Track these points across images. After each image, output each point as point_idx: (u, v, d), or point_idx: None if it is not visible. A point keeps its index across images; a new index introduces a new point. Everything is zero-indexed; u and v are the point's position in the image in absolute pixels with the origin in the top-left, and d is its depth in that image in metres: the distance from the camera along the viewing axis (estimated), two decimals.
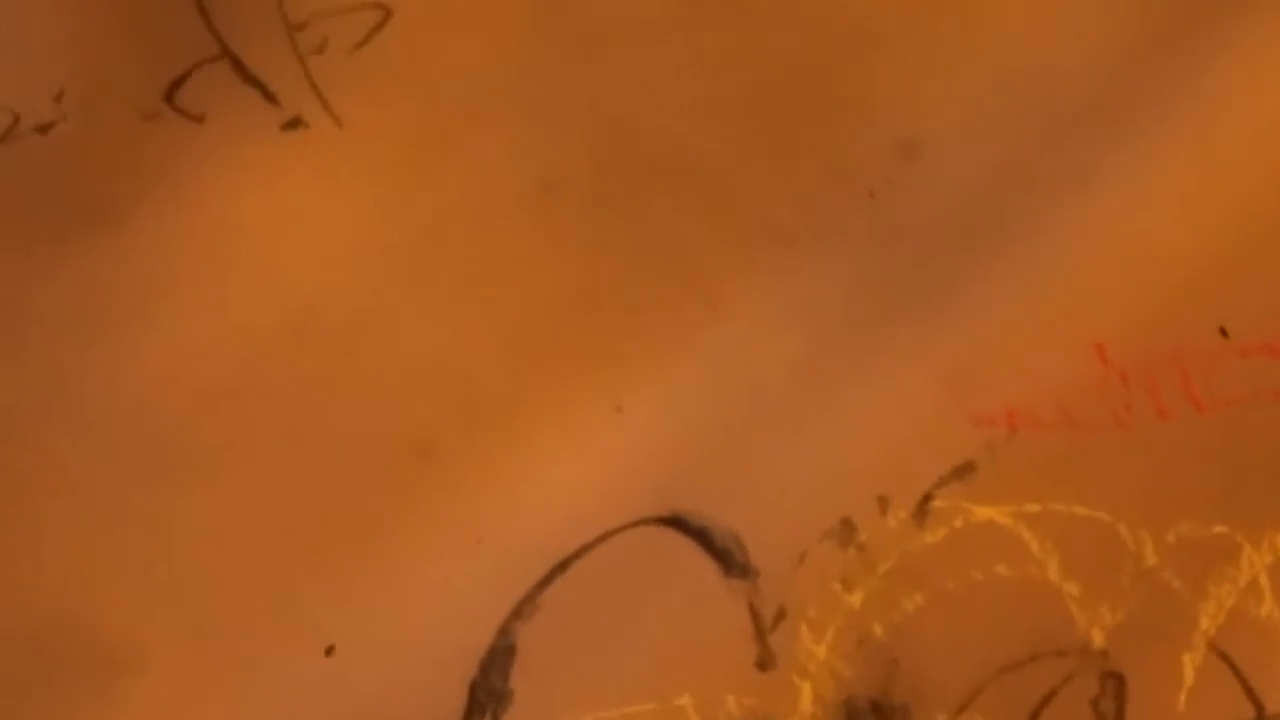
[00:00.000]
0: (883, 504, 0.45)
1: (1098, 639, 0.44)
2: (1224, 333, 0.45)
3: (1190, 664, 0.43)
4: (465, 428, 0.48)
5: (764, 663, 0.44)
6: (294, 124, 0.50)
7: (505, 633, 0.45)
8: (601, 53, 0.50)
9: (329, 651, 0.46)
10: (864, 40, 0.49)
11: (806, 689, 0.43)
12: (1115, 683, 0.43)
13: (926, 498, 0.45)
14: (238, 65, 0.50)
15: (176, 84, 0.50)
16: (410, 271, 0.49)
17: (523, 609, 0.46)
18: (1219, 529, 0.44)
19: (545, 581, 0.46)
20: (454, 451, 0.48)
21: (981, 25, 0.49)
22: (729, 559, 0.45)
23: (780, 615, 0.44)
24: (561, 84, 0.50)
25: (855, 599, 0.44)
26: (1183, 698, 0.43)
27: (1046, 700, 0.43)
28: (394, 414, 0.48)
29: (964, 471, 0.45)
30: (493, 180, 0.49)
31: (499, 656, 0.45)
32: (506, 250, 0.49)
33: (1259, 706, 0.42)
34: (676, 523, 0.46)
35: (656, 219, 0.49)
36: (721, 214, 0.49)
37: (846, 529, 0.45)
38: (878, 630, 0.44)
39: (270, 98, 0.50)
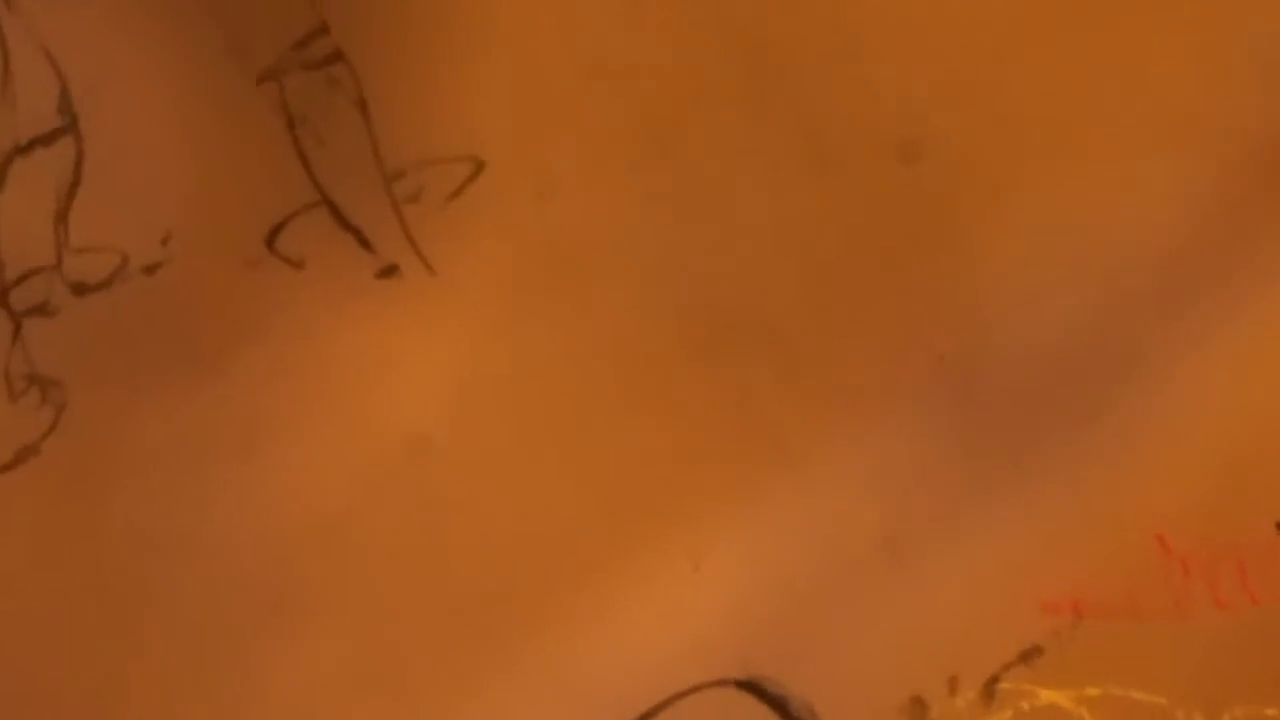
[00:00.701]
0: (953, 684, 0.47)
1: None
2: None
3: None
4: (547, 579, 0.50)
5: None
6: (389, 271, 0.51)
7: None
8: (689, 212, 0.51)
9: None
10: (937, 211, 0.51)
11: None
12: None
13: (994, 679, 0.47)
14: (336, 212, 0.51)
15: (277, 230, 0.51)
16: (498, 423, 0.51)
17: None
18: (1270, 711, 0.47)
19: None
20: (533, 603, 0.50)
21: (1055, 201, 0.51)
22: None
23: None
24: (649, 241, 0.51)
25: None
26: None
27: None
28: (478, 563, 0.50)
29: (1031, 655, 0.48)
30: (579, 335, 0.51)
31: None
32: (591, 405, 0.51)
33: None
34: (754, 688, 0.48)
35: (738, 380, 0.51)
36: (800, 376, 0.51)
37: (918, 707, 0.47)
38: None
39: (366, 245, 0.51)
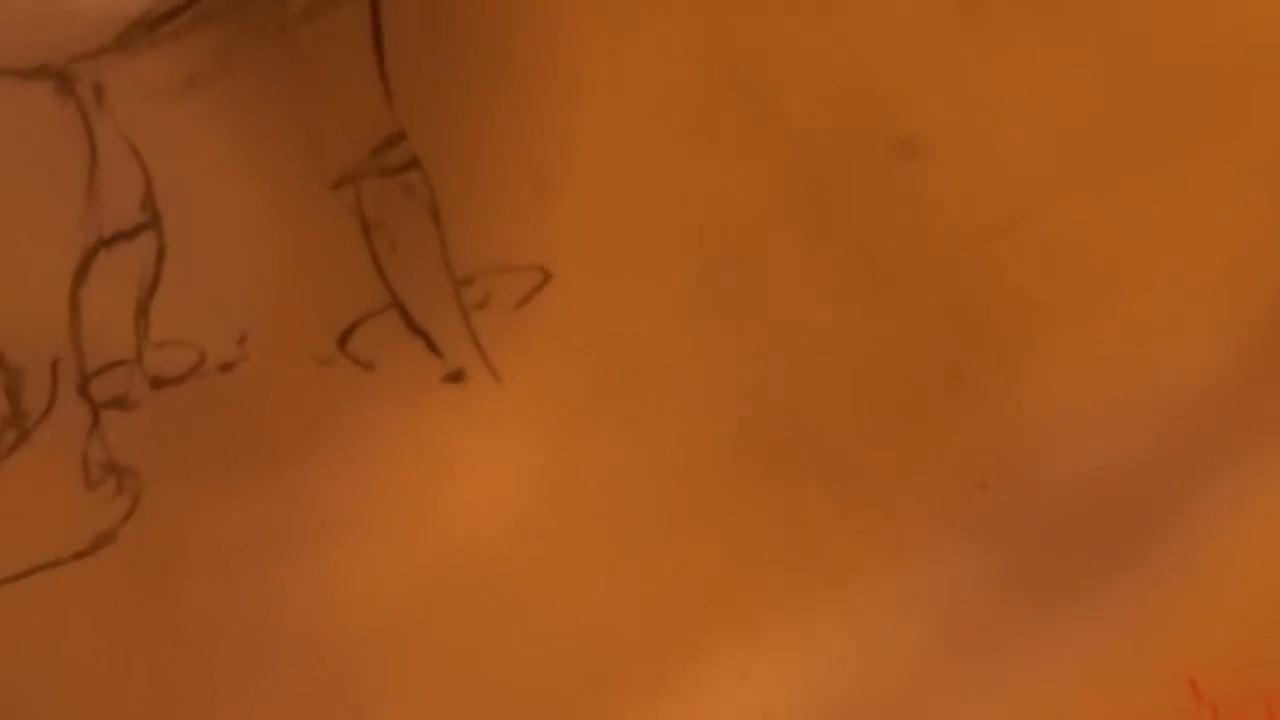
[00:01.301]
0: None
1: None
2: None
3: None
4: (598, 685, 0.52)
5: None
6: (456, 376, 0.53)
7: None
8: (747, 331, 0.53)
9: None
10: (986, 339, 0.53)
11: None
12: None
13: None
14: (406, 316, 0.52)
15: (349, 331, 0.52)
16: (555, 530, 0.53)
17: None
18: None
19: None
20: (584, 708, 0.52)
21: (1103, 338, 0.52)
22: None
23: None
24: (707, 358, 0.53)
25: None
26: None
27: None
28: (532, 669, 0.52)
29: None
30: (637, 447, 0.53)
31: None
32: (646, 516, 0.53)
33: None
34: None
35: (788, 498, 0.53)
36: (848, 497, 0.53)
37: None
38: None
39: (434, 349, 0.52)
